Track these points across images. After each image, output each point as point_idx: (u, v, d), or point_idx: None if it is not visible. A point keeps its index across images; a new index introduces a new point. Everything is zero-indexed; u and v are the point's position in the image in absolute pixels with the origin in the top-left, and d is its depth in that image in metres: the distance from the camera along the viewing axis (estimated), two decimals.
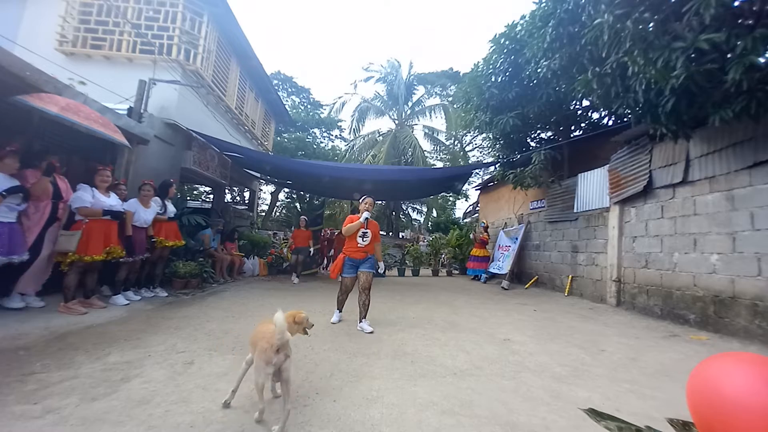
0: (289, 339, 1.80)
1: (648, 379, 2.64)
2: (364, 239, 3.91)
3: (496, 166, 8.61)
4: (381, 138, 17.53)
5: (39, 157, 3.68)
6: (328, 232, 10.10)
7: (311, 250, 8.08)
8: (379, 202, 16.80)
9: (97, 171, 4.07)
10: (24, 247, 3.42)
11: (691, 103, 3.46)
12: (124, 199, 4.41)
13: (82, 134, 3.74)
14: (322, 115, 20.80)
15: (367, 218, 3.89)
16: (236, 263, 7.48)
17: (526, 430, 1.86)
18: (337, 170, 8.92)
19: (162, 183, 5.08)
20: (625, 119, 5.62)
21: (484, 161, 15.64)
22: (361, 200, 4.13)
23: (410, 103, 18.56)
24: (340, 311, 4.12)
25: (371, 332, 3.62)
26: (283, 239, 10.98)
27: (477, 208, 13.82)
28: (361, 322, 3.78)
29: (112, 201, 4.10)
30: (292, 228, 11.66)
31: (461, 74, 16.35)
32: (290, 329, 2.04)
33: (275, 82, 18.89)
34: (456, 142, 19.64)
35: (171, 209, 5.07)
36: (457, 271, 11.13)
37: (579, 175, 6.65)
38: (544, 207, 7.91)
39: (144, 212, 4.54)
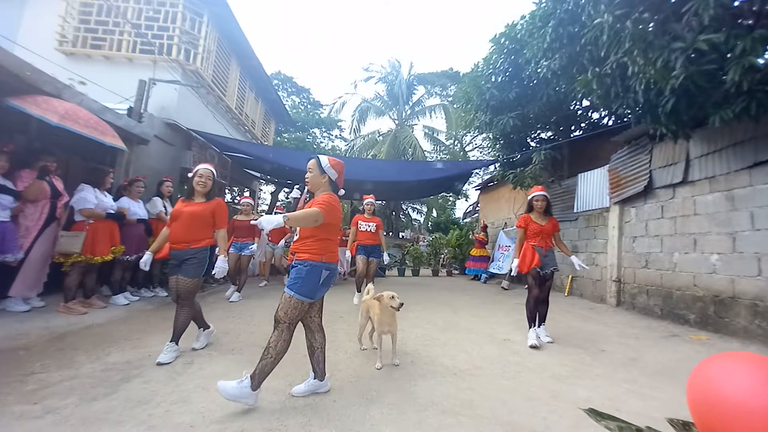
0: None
1: (648, 379, 2.64)
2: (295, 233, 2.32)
3: (496, 165, 8.60)
4: (381, 138, 17.52)
5: (34, 157, 3.69)
6: None
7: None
8: (380, 202, 16.79)
9: (108, 173, 4.22)
10: (18, 247, 3.41)
11: (690, 104, 3.45)
12: (141, 197, 4.70)
13: (82, 135, 3.74)
14: (322, 115, 20.78)
15: (296, 199, 1.85)
16: None
17: (526, 430, 1.86)
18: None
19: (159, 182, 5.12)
20: (625, 119, 5.61)
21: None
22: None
23: (410, 103, 18.54)
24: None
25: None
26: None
27: (477, 208, 13.80)
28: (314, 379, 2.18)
29: (111, 201, 4.18)
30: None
31: (461, 74, 16.30)
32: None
33: (275, 82, 18.86)
34: (456, 142, 19.62)
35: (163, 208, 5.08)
36: (457, 271, 11.12)
37: (579, 175, 6.65)
38: None
39: (137, 207, 4.58)
